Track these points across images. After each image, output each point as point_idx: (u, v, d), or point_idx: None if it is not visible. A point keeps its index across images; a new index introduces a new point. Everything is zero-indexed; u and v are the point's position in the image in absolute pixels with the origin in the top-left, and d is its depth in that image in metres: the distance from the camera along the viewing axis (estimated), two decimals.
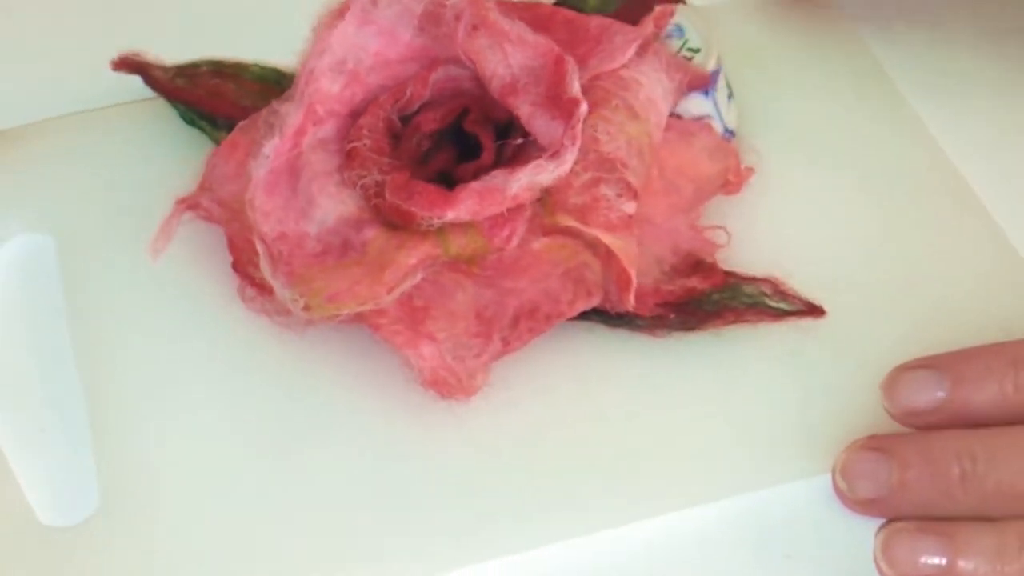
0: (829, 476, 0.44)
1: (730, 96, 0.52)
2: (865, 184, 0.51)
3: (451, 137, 0.47)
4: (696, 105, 0.50)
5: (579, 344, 0.47)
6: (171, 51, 0.52)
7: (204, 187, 0.48)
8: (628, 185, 0.45)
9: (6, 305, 0.48)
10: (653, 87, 0.47)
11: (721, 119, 0.51)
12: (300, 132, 0.46)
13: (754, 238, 0.49)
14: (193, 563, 0.42)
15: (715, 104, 0.51)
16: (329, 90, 0.47)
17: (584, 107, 0.44)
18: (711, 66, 0.50)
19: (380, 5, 0.47)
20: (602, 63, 0.46)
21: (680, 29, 0.51)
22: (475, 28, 0.46)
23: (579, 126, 0.44)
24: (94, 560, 0.43)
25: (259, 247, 0.45)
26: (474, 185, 0.44)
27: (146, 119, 0.52)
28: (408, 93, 0.47)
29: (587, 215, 0.44)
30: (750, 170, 0.50)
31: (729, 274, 0.48)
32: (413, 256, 0.44)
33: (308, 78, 0.47)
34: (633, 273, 0.44)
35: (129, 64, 0.52)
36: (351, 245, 0.45)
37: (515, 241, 0.44)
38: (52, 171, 0.50)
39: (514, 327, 0.45)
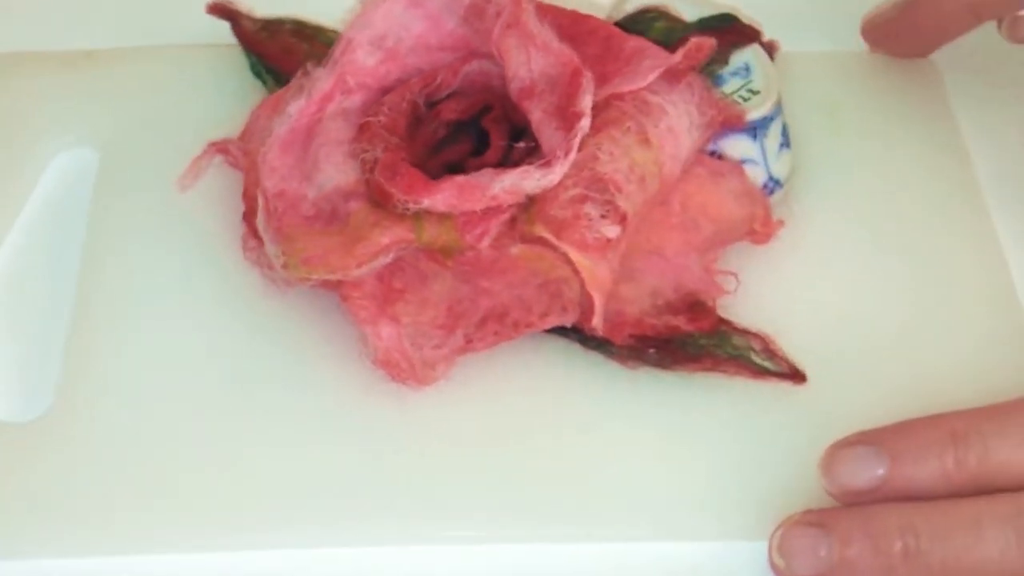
0: (765, 544, 0.43)
1: (784, 145, 0.50)
2: (904, 262, 0.49)
3: (470, 131, 0.47)
4: (741, 148, 0.49)
5: (551, 359, 0.47)
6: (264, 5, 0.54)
7: (243, 137, 0.50)
8: (616, 209, 0.44)
9: (42, 210, 0.51)
10: (679, 118, 0.46)
11: (767, 167, 0.50)
12: (327, 98, 0.47)
13: (767, 290, 0.48)
14: (131, 468, 0.44)
15: (762, 150, 0.49)
16: (363, 63, 0.48)
17: (585, 122, 0.44)
18: (764, 111, 0.49)
19: None
20: (622, 83, 0.45)
21: (747, 69, 0.50)
22: (509, 27, 0.46)
23: (576, 140, 0.44)
24: (42, 458, 0.44)
25: (259, 200, 0.46)
26: (458, 178, 0.44)
27: (221, 64, 0.54)
28: (438, 80, 0.48)
29: (564, 230, 0.44)
30: (780, 223, 0.48)
31: (723, 321, 0.46)
32: (386, 236, 0.44)
33: (345, 48, 0.48)
34: (597, 297, 0.44)
35: (221, 10, 0.54)
36: (337, 215, 0.46)
37: (486, 241, 0.44)
38: (122, 94, 0.53)
39: (481, 327, 0.45)
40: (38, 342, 0.47)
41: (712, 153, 0.49)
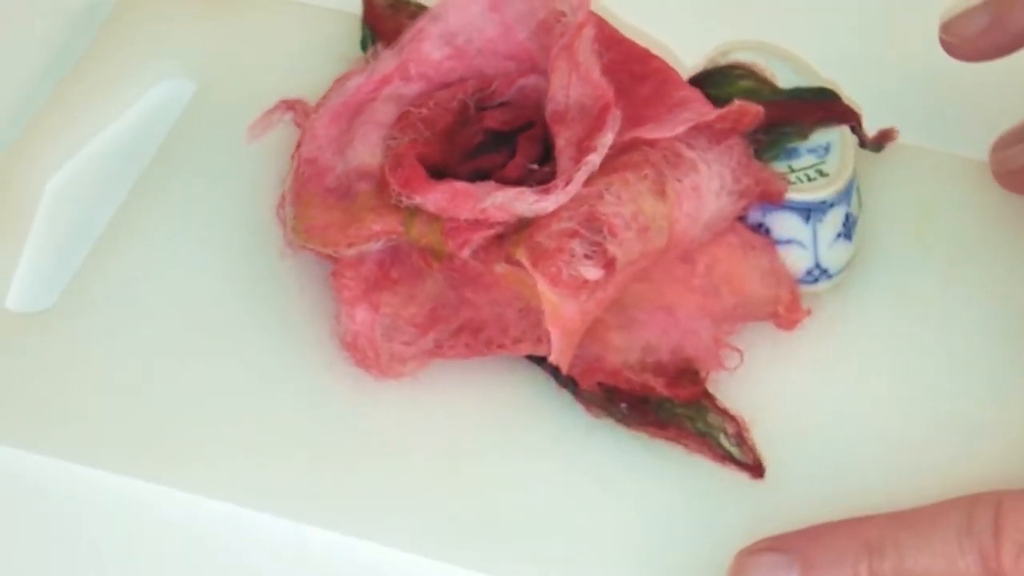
0: None
1: (843, 236, 0.48)
2: (925, 389, 0.46)
3: (510, 143, 0.47)
4: (789, 227, 0.47)
5: (522, 387, 0.46)
6: None
7: (320, 102, 0.51)
8: (604, 253, 0.43)
9: (130, 125, 0.53)
10: (710, 178, 0.45)
11: (815, 253, 0.47)
12: (385, 80, 0.48)
13: (769, 376, 0.46)
14: (83, 375, 0.47)
15: (814, 235, 0.47)
16: (429, 54, 0.48)
17: (593, 158, 0.43)
18: (823, 196, 0.47)
19: None
20: (651, 129, 0.44)
21: (826, 149, 0.48)
22: (563, 48, 0.45)
23: (580, 174, 0.43)
24: (42, 348, 0.47)
25: (293, 161, 0.47)
26: (456, 184, 0.44)
27: (339, 30, 0.55)
28: (493, 87, 0.47)
29: (542, 259, 0.43)
30: (806, 311, 0.46)
31: (705, 395, 0.45)
32: (378, 223, 0.44)
33: (415, 36, 0.48)
34: (554, 333, 0.42)
35: None
36: (349, 193, 0.46)
37: (467, 251, 0.43)
38: (239, 39, 0.55)
39: (454, 336, 0.45)
40: (69, 243, 0.50)
41: (759, 226, 0.47)
